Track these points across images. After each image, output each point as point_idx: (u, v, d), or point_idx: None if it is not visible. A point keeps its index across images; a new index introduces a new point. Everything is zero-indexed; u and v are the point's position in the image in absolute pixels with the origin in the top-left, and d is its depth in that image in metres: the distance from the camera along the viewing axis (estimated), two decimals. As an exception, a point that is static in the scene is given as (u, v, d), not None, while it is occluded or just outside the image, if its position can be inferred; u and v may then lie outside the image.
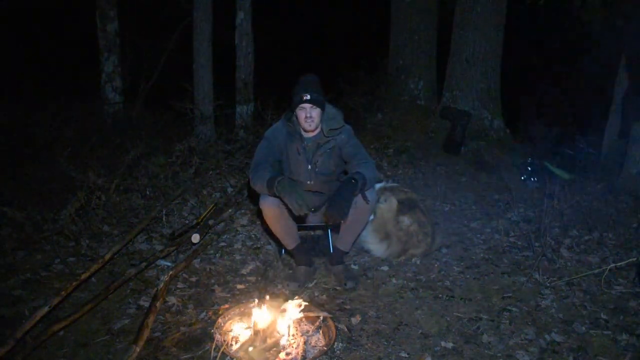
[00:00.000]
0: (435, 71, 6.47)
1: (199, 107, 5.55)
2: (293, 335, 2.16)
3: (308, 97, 2.54)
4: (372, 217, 3.08)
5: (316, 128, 2.69)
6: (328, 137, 2.70)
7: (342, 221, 2.58)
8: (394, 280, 2.89)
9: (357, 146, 2.73)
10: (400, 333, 2.34)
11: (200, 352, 2.15)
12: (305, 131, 2.69)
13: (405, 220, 3.14)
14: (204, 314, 2.48)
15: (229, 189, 4.24)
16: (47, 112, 5.37)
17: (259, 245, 3.34)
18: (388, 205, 3.18)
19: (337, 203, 2.39)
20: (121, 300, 2.59)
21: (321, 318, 2.29)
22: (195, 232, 3.11)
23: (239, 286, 2.80)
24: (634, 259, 2.79)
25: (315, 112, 2.61)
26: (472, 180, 4.99)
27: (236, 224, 3.62)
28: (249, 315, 2.26)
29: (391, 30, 6.45)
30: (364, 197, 2.55)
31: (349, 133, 2.74)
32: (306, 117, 2.60)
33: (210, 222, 3.36)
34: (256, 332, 2.09)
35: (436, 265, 3.10)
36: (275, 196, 2.48)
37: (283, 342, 2.09)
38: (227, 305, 2.50)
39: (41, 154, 4.52)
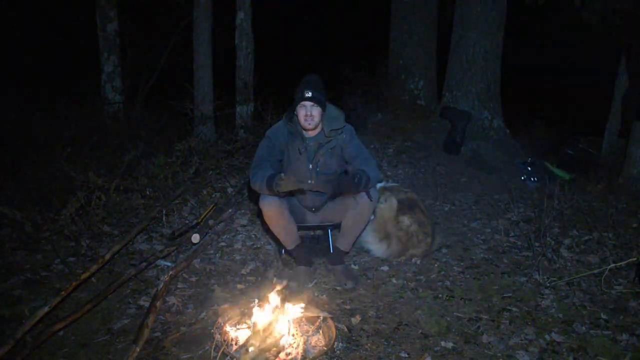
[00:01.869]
0: (435, 71, 6.47)
1: (199, 107, 5.55)
2: (293, 335, 2.16)
3: (309, 94, 2.55)
4: (372, 217, 3.08)
5: (315, 127, 2.69)
6: (329, 137, 2.70)
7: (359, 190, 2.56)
8: (394, 280, 2.89)
9: (359, 146, 2.74)
10: (400, 333, 2.34)
11: (200, 352, 2.15)
12: (305, 130, 2.69)
13: (405, 220, 3.14)
14: (204, 314, 2.48)
15: (229, 189, 4.24)
16: (47, 112, 5.37)
17: (259, 245, 3.34)
18: (388, 205, 3.18)
19: (347, 179, 2.44)
20: (121, 300, 2.59)
21: (321, 318, 2.29)
22: (195, 232, 3.11)
23: (239, 286, 2.80)
24: (634, 259, 2.79)
25: (316, 111, 2.61)
26: (472, 180, 4.99)
27: (236, 224, 3.62)
28: (249, 315, 2.26)
29: (391, 30, 6.45)
30: (368, 195, 2.56)
31: (350, 133, 2.75)
32: (306, 114, 2.60)
33: (210, 222, 3.36)
34: (256, 332, 2.09)
35: (436, 265, 3.10)
36: (275, 195, 2.48)
37: (283, 342, 2.08)
38: (227, 305, 2.50)
39: (41, 154, 4.51)
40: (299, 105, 2.62)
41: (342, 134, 2.72)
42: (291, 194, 2.67)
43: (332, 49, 9.07)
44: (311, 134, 2.73)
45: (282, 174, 2.41)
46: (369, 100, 6.49)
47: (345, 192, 2.51)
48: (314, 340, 2.23)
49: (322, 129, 2.71)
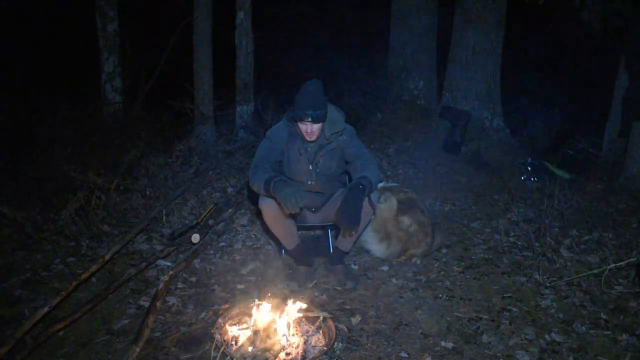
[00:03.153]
0: (435, 71, 6.47)
1: (199, 107, 5.55)
2: (293, 335, 2.16)
3: (310, 118, 2.50)
4: (372, 217, 3.08)
5: (317, 138, 2.68)
6: (329, 140, 2.70)
7: (354, 231, 2.56)
8: (394, 280, 2.89)
9: (359, 147, 2.73)
10: (400, 333, 2.34)
11: (200, 352, 2.15)
12: (306, 141, 2.69)
13: (405, 220, 3.14)
14: (204, 314, 2.48)
15: (229, 189, 4.24)
16: (47, 112, 5.37)
17: (259, 245, 3.34)
18: (388, 205, 3.18)
19: (348, 212, 2.36)
20: (121, 300, 2.59)
21: (321, 318, 2.29)
22: (195, 232, 3.11)
23: (239, 286, 2.80)
24: (634, 259, 2.79)
25: (317, 127, 2.59)
26: (472, 180, 4.99)
27: (236, 224, 3.62)
28: (249, 315, 2.26)
29: (391, 30, 6.45)
30: (370, 201, 2.56)
31: (350, 134, 2.74)
32: (307, 132, 2.59)
33: (210, 222, 3.36)
34: (256, 332, 2.09)
35: (436, 265, 3.10)
36: (272, 197, 2.48)
37: (283, 342, 2.09)
38: (227, 305, 2.50)
39: (41, 154, 4.51)
40: (299, 122, 2.59)
41: (342, 135, 2.71)
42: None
43: (333, 48, 9.07)
44: None
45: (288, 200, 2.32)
46: (368, 100, 6.49)
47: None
48: (314, 340, 2.23)
49: (323, 132, 2.70)
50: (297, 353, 2.06)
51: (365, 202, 2.54)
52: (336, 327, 2.28)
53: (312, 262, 2.97)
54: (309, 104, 2.49)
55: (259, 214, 2.91)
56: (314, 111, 2.49)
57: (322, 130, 2.65)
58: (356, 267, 3.08)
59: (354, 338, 2.28)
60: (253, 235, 3.47)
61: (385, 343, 2.25)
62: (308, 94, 2.52)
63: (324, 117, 2.58)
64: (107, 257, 2.83)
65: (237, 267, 3.05)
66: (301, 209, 2.37)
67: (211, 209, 3.55)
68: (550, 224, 3.41)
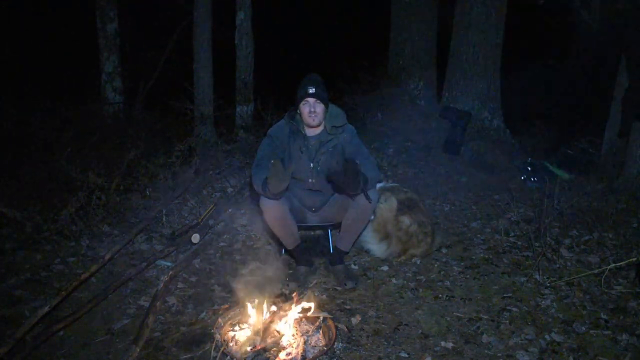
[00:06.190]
0: (435, 71, 6.47)
1: (199, 107, 5.55)
2: (293, 335, 2.16)
3: (312, 90, 2.57)
4: (372, 217, 3.08)
5: (319, 124, 2.69)
6: (331, 134, 2.71)
7: (357, 192, 2.50)
8: (394, 280, 2.89)
9: (359, 146, 2.75)
10: (400, 333, 2.34)
11: (200, 352, 2.15)
12: (309, 127, 2.70)
13: (405, 220, 3.14)
14: (204, 314, 2.48)
15: (229, 189, 4.24)
16: (47, 112, 5.38)
17: (259, 245, 3.34)
18: (388, 205, 3.18)
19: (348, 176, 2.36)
20: (121, 300, 2.59)
21: (321, 318, 2.29)
22: (195, 232, 3.11)
23: (239, 286, 2.79)
24: (634, 259, 2.79)
25: (319, 108, 2.62)
26: (472, 180, 4.99)
27: (236, 224, 3.62)
28: (249, 315, 2.26)
29: (391, 30, 6.45)
30: (366, 196, 2.56)
31: (352, 133, 2.76)
32: (310, 111, 2.61)
33: (210, 222, 3.37)
34: (256, 332, 2.09)
35: (436, 265, 3.10)
36: (271, 198, 2.48)
37: (283, 342, 2.09)
38: (227, 305, 2.50)
39: (41, 154, 4.52)
40: (302, 103, 2.63)
41: (344, 132, 2.73)
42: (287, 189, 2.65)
43: (333, 48, 9.07)
44: (313, 131, 2.73)
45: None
46: (368, 100, 6.49)
47: (344, 186, 2.47)
48: (314, 340, 2.23)
49: (324, 126, 2.72)
50: (297, 353, 2.06)
51: (365, 201, 2.54)
52: (336, 327, 2.28)
53: (312, 262, 2.97)
54: (311, 84, 2.59)
55: (259, 213, 2.91)
56: (316, 88, 2.58)
57: (323, 120, 2.66)
58: (356, 267, 3.08)
59: (354, 338, 2.28)
60: (253, 235, 3.47)
61: (385, 343, 2.25)
62: (310, 78, 2.64)
63: (325, 100, 2.64)
64: (107, 257, 2.84)
65: (237, 267, 3.05)
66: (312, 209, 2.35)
67: (211, 209, 3.55)
68: (550, 224, 3.41)
